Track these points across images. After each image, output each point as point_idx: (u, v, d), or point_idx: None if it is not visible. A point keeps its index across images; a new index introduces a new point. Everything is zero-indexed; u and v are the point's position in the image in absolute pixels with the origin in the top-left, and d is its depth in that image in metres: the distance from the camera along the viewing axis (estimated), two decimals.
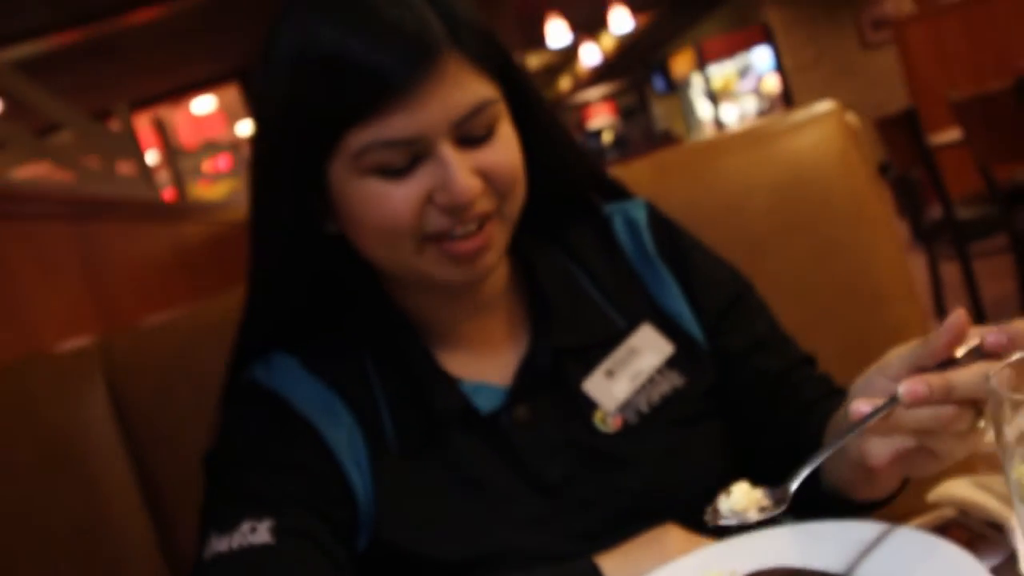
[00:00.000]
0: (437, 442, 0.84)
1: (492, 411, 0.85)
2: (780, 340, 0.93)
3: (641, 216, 0.95)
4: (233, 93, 9.50)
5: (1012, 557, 0.64)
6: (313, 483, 0.81)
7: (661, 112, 15.95)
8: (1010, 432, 0.51)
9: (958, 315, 0.63)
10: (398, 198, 0.76)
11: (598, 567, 0.74)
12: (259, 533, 0.76)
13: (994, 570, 0.61)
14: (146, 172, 4.11)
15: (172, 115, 9.64)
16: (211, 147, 8.14)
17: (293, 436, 0.83)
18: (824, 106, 1.26)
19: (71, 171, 3.41)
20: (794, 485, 0.67)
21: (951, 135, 3.81)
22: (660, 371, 0.89)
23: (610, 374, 0.88)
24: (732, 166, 1.22)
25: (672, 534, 0.77)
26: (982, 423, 0.62)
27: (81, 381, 1.10)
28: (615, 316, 0.90)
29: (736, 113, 12.08)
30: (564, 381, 0.87)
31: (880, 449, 0.66)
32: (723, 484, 0.70)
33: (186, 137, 9.98)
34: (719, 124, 12.31)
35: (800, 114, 1.28)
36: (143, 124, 6.02)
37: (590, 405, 0.86)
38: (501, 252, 0.83)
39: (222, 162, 8.82)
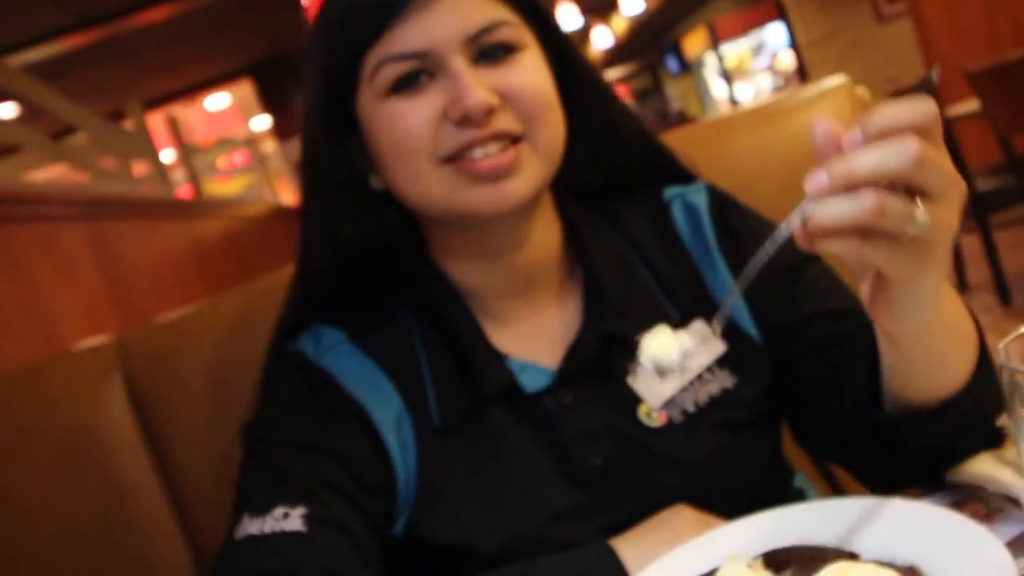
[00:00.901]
0: (479, 418, 0.83)
1: (537, 392, 0.84)
2: (844, 308, 0.85)
3: (702, 201, 0.92)
4: (247, 89, 9.53)
5: None
6: (353, 470, 0.80)
7: (675, 93, 15.83)
8: (1019, 403, 0.50)
9: (816, 125, 0.57)
10: (413, 116, 0.77)
11: (614, 550, 0.74)
12: (291, 520, 0.76)
13: (1011, 544, 0.60)
14: (161, 170, 4.13)
15: (186, 113, 9.69)
16: (226, 143, 8.17)
17: (339, 417, 0.82)
18: (834, 80, 1.25)
19: (87, 172, 3.43)
20: (720, 322, 0.64)
21: (969, 106, 3.76)
22: (710, 370, 0.86)
23: (657, 369, 0.87)
24: (744, 144, 1.21)
25: (684, 515, 0.77)
26: (919, 215, 0.55)
27: (99, 378, 1.11)
28: (668, 307, 0.88)
29: (751, 91, 11.96)
30: (611, 370, 0.85)
31: (864, 290, 0.64)
32: (765, 494, 0.68)
33: (201, 134, 10.03)
34: (734, 103, 12.18)
35: (810, 89, 1.27)
36: (157, 123, 6.05)
37: (635, 398, 0.84)
38: (533, 184, 0.80)
39: (237, 158, 8.85)
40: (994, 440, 0.74)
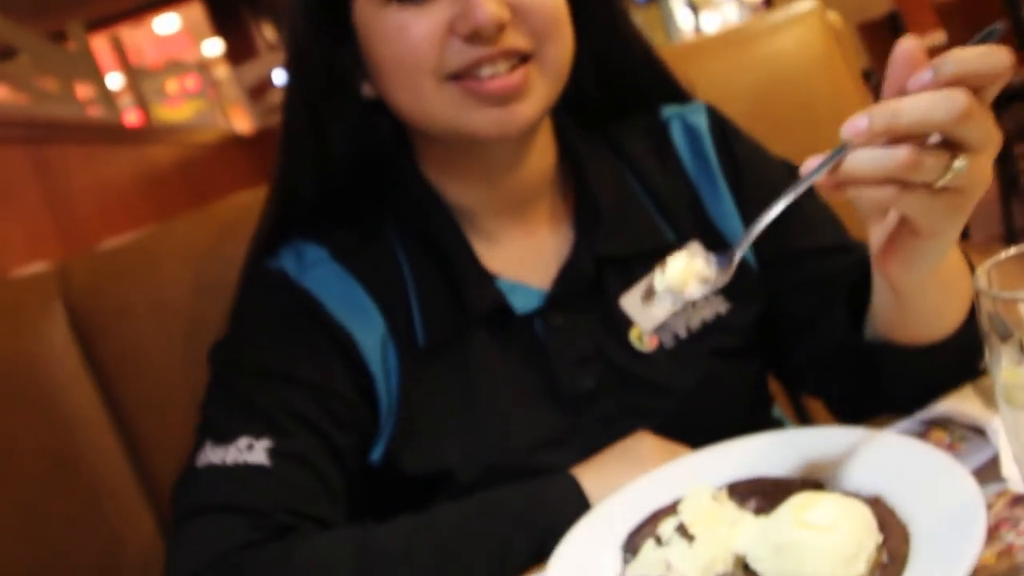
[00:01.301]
0: (465, 339, 0.81)
1: (527, 313, 0.82)
2: (839, 245, 0.85)
3: (702, 122, 0.89)
4: (197, 11, 9.18)
5: (995, 460, 0.63)
6: (326, 402, 0.77)
7: (641, 23, 15.56)
8: (995, 332, 0.49)
9: (905, 43, 0.56)
10: (417, 29, 0.72)
11: (576, 480, 0.73)
12: (255, 452, 0.73)
13: (976, 472, 0.60)
14: (106, 94, 3.98)
15: (133, 35, 9.33)
16: (176, 67, 7.89)
17: (317, 346, 0.79)
18: (804, 5, 1.21)
19: (27, 94, 3.29)
20: (739, 252, 0.62)
21: (936, 39, 3.75)
22: (704, 294, 0.85)
23: (650, 291, 0.84)
24: (712, 70, 1.18)
25: (648, 443, 0.76)
26: (958, 164, 0.54)
27: (39, 307, 1.06)
28: (665, 228, 0.86)
29: (717, 21, 11.88)
30: (603, 292, 0.83)
31: (875, 238, 0.63)
32: (747, 423, 0.67)
33: (150, 58, 9.69)
34: (700, 33, 12.10)
35: (780, 14, 1.23)
36: (102, 46, 5.81)
37: (627, 321, 0.83)
38: (540, 107, 0.76)
39: (189, 83, 8.58)
40: (975, 377, 0.73)
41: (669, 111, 0.91)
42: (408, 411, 0.80)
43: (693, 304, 0.84)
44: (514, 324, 0.81)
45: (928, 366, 0.72)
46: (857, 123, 0.54)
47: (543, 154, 0.84)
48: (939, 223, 0.59)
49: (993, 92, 0.55)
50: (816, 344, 0.82)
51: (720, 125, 0.90)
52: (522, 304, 0.82)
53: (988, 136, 0.55)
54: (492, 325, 0.81)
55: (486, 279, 0.81)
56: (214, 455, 0.74)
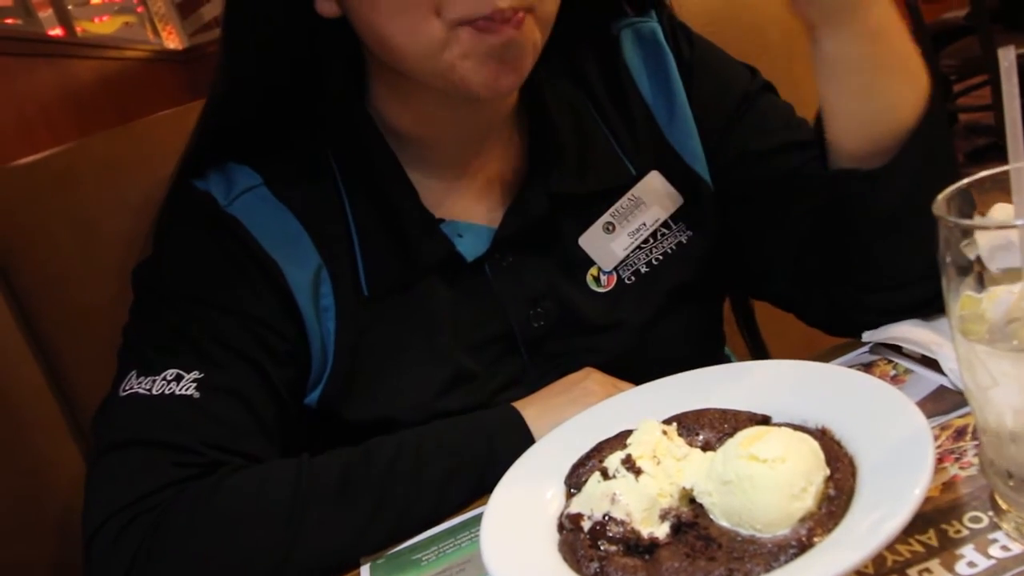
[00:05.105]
0: (412, 286, 0.77)
1: (477, 258, 0.78)
2: (795, 142, 0.81)
3: (655, 28, 0.85)
4: None
5: (937, 393, 0.63)
6: (258, 332, 0.73)
7: None
8: (953, 261, 0.48)
9: None
10: None
11: (519, 412, 0.71)
12: (183, 384, 0.69)
13: (921, 403, 0.59)
14: (24, 3, 3.75)
15: None
16: None
17: (246, 274, 0.74)
18: None
19: None
20: None
21: None
22: (666, 224, 0.82)
23: (609, 228, 0.81)
24: None
25: (593, 377, 0.74)
26: None
27: None
28: (626, 161, 0.82)
29: None
30: (558, 232, 0.80)
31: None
32: (698, 362, 0.66)
33: None
34: None
35: None
36: None
37: (585, 261, 0.80)
38: (531, 64, 0.72)
39: None
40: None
41: (620, 23, 0.86)
42: (348, 358, 0.76)
43: (655, 236, 0.81)
44: (464, 267, 0.78)
45: (892, 193, 0.68)
46: None
47: None
48: None
49: None
50: (784, 241, 0.79)
51: (676, 29, 0.86)
52: (471, 248, 0.78)
53: None
54: (441, 269, 0.78)
55: (432, 227, 0.77)
56: (139, 385, 0.70)
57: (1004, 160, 0.48)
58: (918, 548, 0.49)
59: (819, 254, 0.76)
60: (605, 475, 0.54)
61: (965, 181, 0.49)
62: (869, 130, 0.68)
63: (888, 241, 0.70)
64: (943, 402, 0.62)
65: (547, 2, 0.71)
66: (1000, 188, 0.48)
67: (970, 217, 0.48)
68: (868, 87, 0.67)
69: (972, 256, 0.47)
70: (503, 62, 0.69)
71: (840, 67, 0.67)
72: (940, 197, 0.49)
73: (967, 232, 0.46)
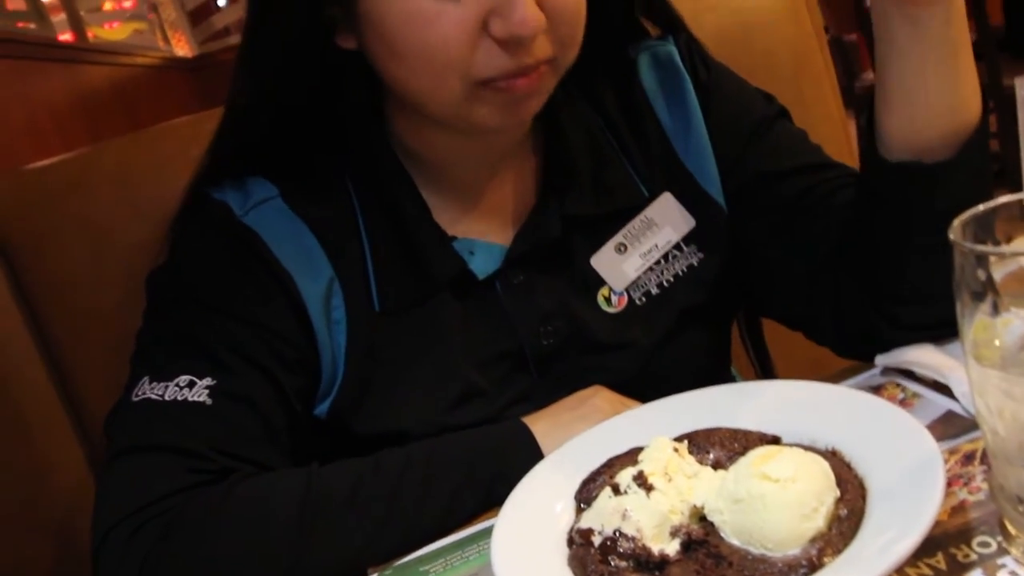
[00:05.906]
0: (425, 303, 0.77)
1: (489, 276, 0.79)
2: (811, 165, 0.82)
3: (672, 51, 0.85)
4: None
5: (946, 417, 0.63)
6: (271, 341, 0.73)
7: None
8: (967, 286, 0.48)
9: None
10: (449, 21, 0.65)
11: (528, 427, 0.71)
12: (196, 390, 0.70)
13: (930, 427, 0.60)
14: (37, 7, 3.77)
15: None
16: None
17: (260, 284, 0.75)
18: None
19: None
20: None
21: None
22: (678, 246, 0.82)
23: (622, 249, 0.81)
24: None
25: (602, 395, 0.74)
26: None
27: None
28: (639, 183, 0.83)
29: None
30: (570, 253, 0.80)
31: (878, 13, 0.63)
32: (709, 382, 0.66)
33: None
34: None
35: None
36: None
37: (596, 281, 0.80)
38: (545, 100, 0.73)
39: (126, 1, 8.20)
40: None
41: (638, 48, 0.87)
42: (359, 372, 0.76)
43: (666, 258, 0.82)
44: (476, 284, 0.79)
45: (960, 185, 0.66)
46: None
47: None
48: None
49: None
50: (796, 262, 0.79)
51: (693, 51, 0.86)
52: (483, 266, 0.79)
53: None
54: (453, 287, 0.78)
55: (445, 245, 0.78)
56: (152, 391, 0.70)
57: (1011, 187, 0.48)
58: (927, 572, 0.49)
59: (840, 271, 0.76)
60: (616, 491, 0.54)
61: (981, 207, 0.50)
62: (943, 120, 0.66)
63: (931, 243, 0.69)
64: (952, 427, 0.62)
65: (569, 52, 0.72)
66: (1017, 215, 0.48)
67: (986, 243, 0.49)
68: (953, 72, 0.65)
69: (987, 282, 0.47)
70: (519, 105, 0.71)
71: (935, 47, 0.64)
72: (956, 222, 0.49)
73: (982, 258, 0.47)
